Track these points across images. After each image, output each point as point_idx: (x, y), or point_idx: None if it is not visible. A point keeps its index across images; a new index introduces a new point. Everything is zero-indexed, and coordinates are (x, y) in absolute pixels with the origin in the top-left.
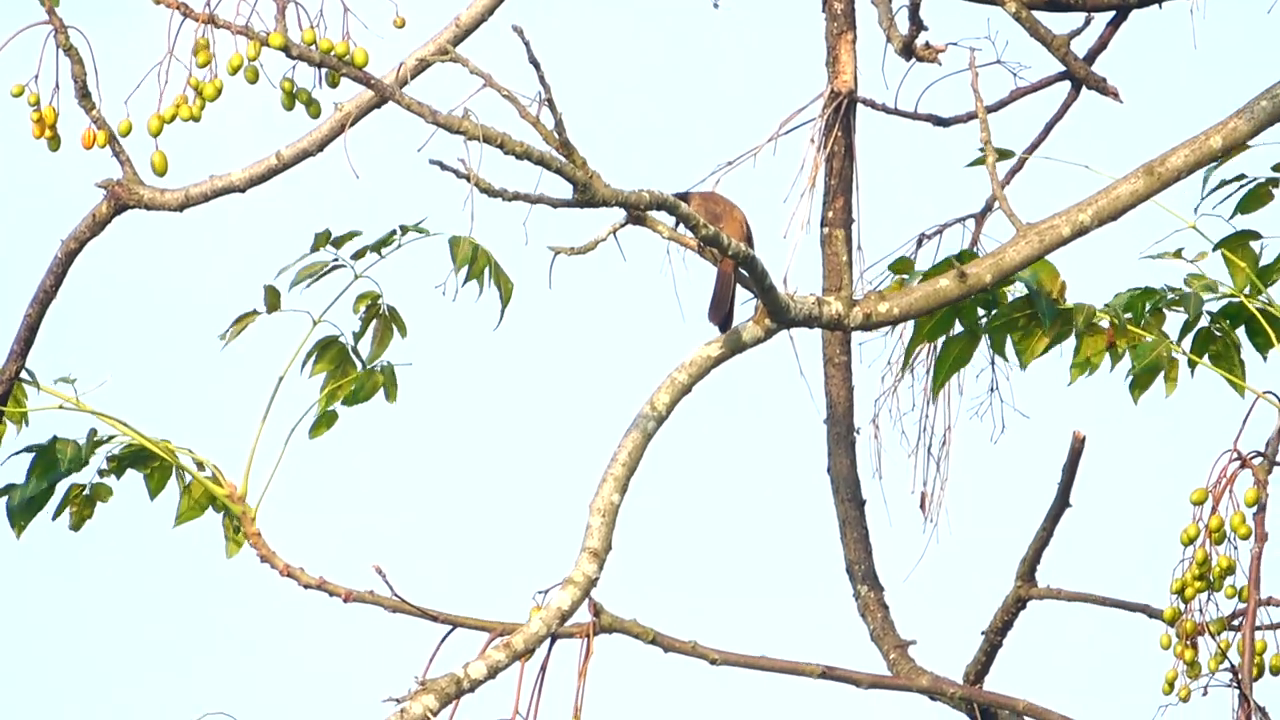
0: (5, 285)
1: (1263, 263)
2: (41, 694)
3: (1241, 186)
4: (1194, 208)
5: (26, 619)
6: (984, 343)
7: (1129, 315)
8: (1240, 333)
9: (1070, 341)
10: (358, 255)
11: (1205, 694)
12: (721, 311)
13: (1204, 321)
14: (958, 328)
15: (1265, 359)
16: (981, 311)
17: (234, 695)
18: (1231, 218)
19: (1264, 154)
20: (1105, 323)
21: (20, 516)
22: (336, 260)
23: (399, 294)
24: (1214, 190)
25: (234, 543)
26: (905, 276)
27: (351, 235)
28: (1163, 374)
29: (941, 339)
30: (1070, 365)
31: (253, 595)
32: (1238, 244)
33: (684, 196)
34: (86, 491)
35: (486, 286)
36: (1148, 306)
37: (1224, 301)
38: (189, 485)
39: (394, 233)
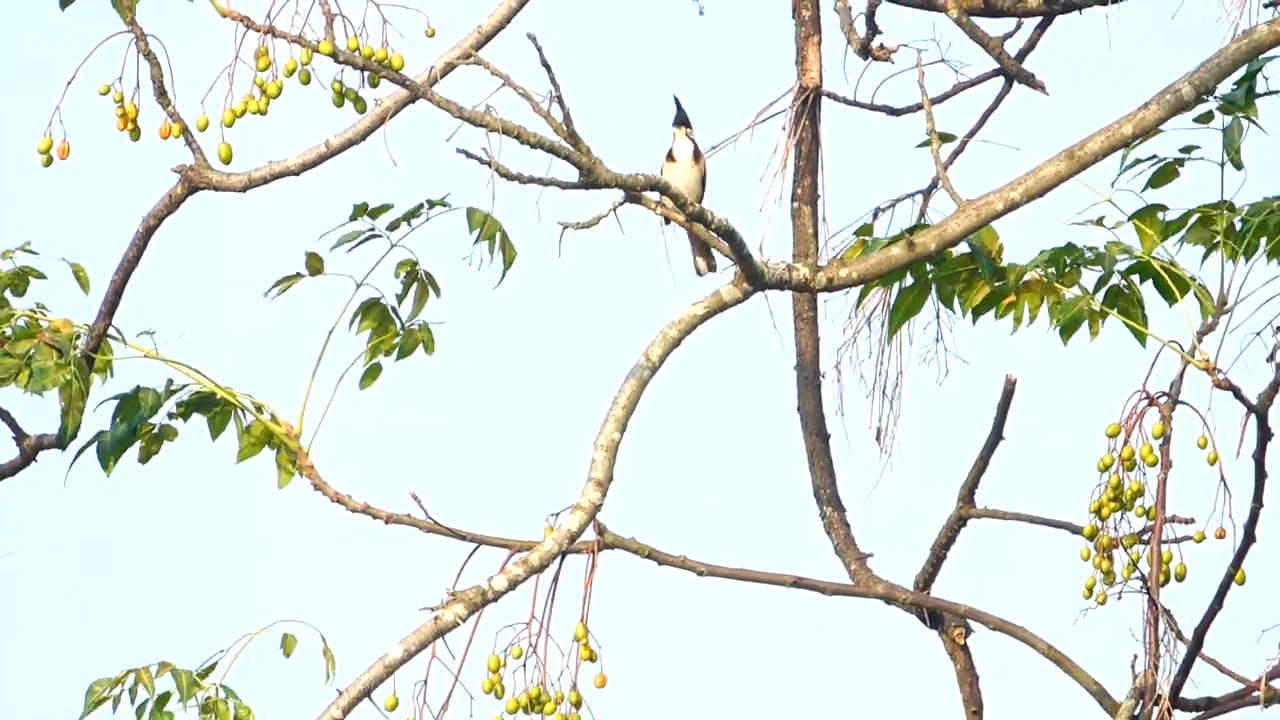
0: (95, 256)
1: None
2: (117, 611)
3: (1153, 165)
4: (1111, 182)
5: (107, 544)
6: (931, 299)
7: (1052, 269)
8: (1149, 288)
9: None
10: (392, 226)
11: (1120, 599)
12: (706, 252)
13: (1115, 279)
14: (910, 280)
15: (1170, 306)
16: (930, 267)
17: (288, 610)
18: (1144, 191)
19: (1173, 137)
20: (1029, 276)
21: (110, 456)
22: (373, 230)
23: (431, 263)
24: (1129, 168)
25: (285, 473)
26: (867, 239)
27: (386, 208)
28: (1086, 324)
29: (896, 287)
30: (1012, 318)
31: (303, 522)
32: (1147, 215)
33: (685, 117)
34: (155, 430)
35: (495, 252)
36: (1068, 261)
37: (1131, 262)
38: (249, 426)
39: (421, 205)
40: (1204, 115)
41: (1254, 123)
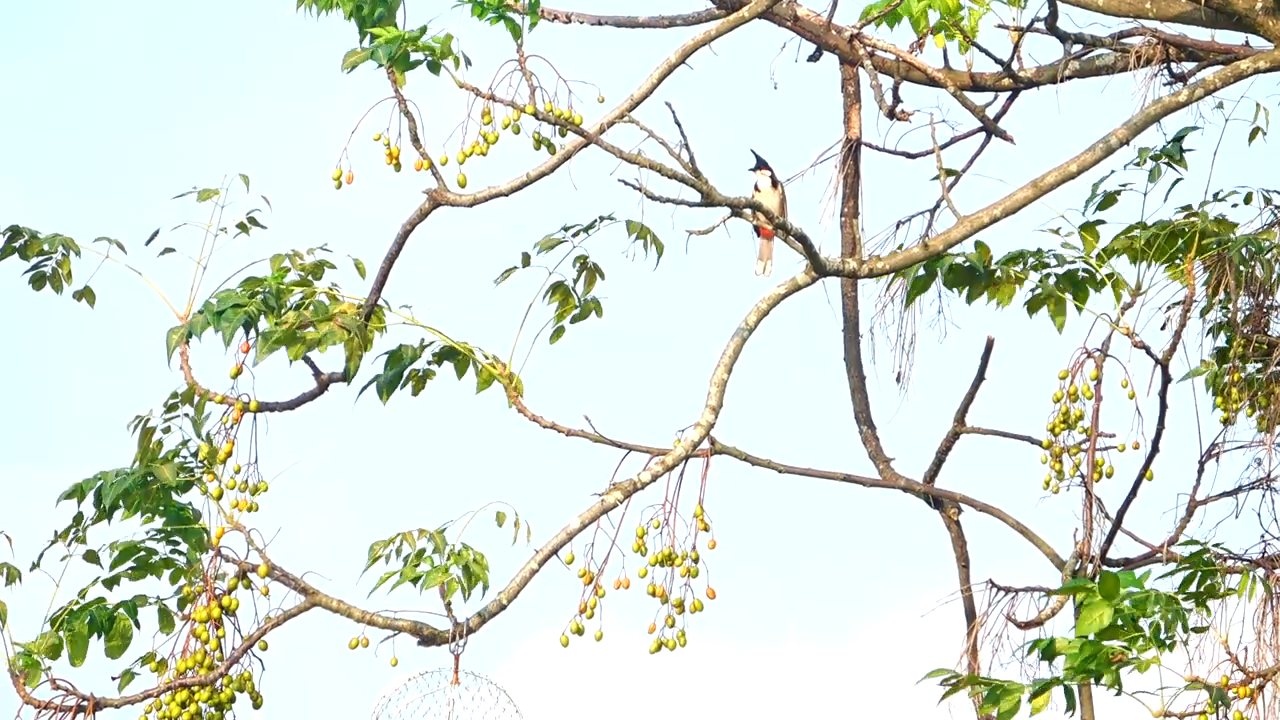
0: (371, 251)
1: (1104, 242)
2: (384, 493)
3: (1104, 193)
4: (1082, 210)
5: (378, 449)
6: (936, 282)
7: (1017, 266)
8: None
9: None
10: (575, 234)
11: (1067, 490)
12: (765, 259)
13: (1053, 279)
14: (922, 270)
15: (1098, 291)
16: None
17: (499, 495)
18: (1094, 212)
19: (1118, 175)
20: (1014, 277)
21: (384, 391)
22: (563, 237)
23: (598, 258)
24: (1090, 200)
25: (511, 399)
26: (899, 247)
27: (579, 224)
28: (1047, 307)
29: (913, 276)
30: (987, 299)
31: (507, 434)
32: (1089, 229)
33: (764, 162)
34: (420, 374)
35: (649, 247)
36: (1033, 260)
37: (1064, 269)
38: (480, 370)
39: (596, 220)
40: (1141, 160)
41: (1175, 169)
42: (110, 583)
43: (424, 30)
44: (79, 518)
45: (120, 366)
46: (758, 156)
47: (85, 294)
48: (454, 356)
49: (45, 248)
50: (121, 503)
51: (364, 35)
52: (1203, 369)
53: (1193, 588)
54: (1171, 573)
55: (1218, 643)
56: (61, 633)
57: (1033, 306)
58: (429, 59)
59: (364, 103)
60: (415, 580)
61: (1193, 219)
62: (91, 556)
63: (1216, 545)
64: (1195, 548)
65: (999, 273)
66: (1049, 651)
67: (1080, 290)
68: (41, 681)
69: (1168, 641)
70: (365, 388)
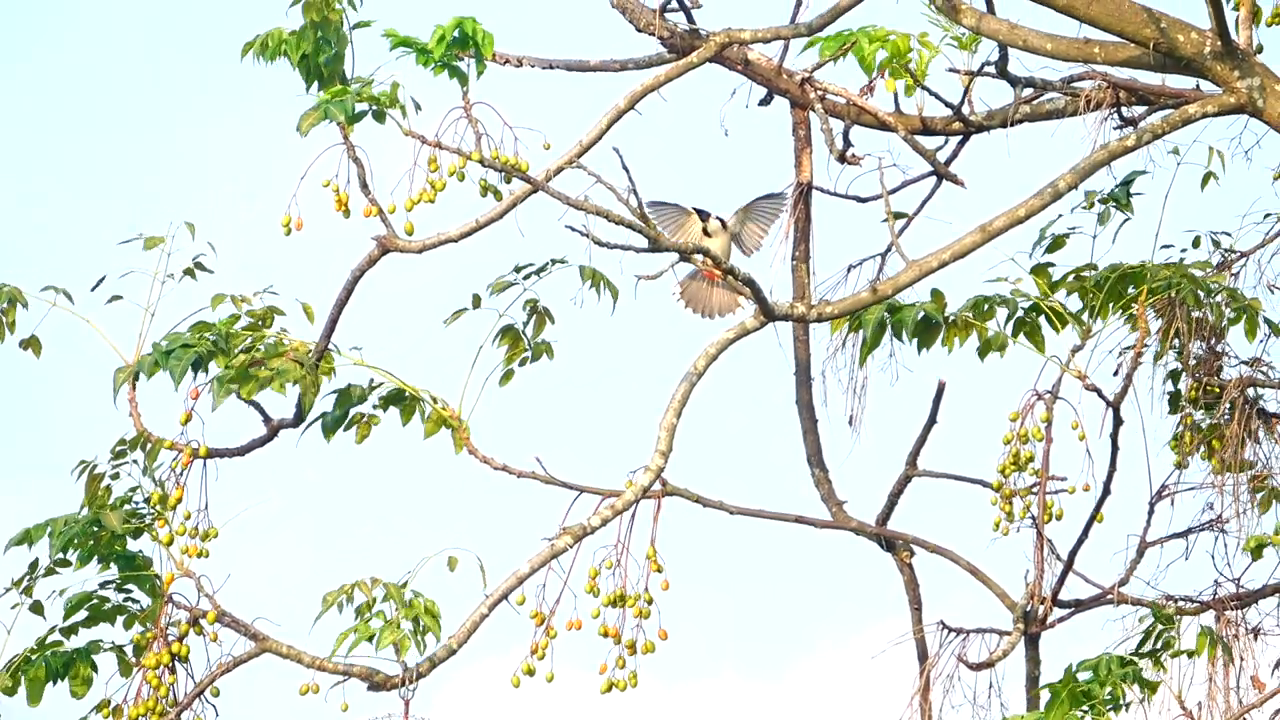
0: (319, 296)
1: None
2: (336, 539)
3: (1052, 236)
4: (1029, 252)
5: (327, 494)
6: (889, 331)
7: (972, 313)
8: (1043, 320)
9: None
10: (527, 277)
11: (1018, 532)
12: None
13: (1020, 314)
14: (876, 325)
15: (1058, 334)
16: (888, 313)
17: (451, 541)
18: (1042, 255)
19: (1068, 217)
20: (960, 317)
21: (329, 429)
22: (514, 280)
23: (547, 301)
24: (1039, 242)
25: (459, 444)
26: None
27: (530, 265)
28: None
29: (862, 333)
30: (942, 344)
31: (459, 478)
32: (1040, 271)
33: (705, 214)
34: (364, 419)
35: (603, 291)
36: (986, 306)
37: (1030, 303)
38: (429, 414)
39: (547, 263)
40: (1089, 204)
41: (1126, 215)
42: (69, 631)
43: (370, 81)
44: (34, 565)
45: (67, 408)
46: (701, 211)
47: (31, 343)
48: (400, 401)
49: None
50: (71, 550)
51: (310, 84)
52: (1174, 445)
53: (1149, 646)
54: (1124, 617)
55: (1171, 696)
56: (21, 675)
57: (983, 350)
58: (374, 109)
59: (313, 150)
60: (370, 638)
61: (1144, 263)
62: (37, 608)
63: (1170, 598)
64: (1150, 597)
65: (955, 319)
66: None
67: (1060, 317)
68: None
69: (1125, 703)
70: (311, 424)
